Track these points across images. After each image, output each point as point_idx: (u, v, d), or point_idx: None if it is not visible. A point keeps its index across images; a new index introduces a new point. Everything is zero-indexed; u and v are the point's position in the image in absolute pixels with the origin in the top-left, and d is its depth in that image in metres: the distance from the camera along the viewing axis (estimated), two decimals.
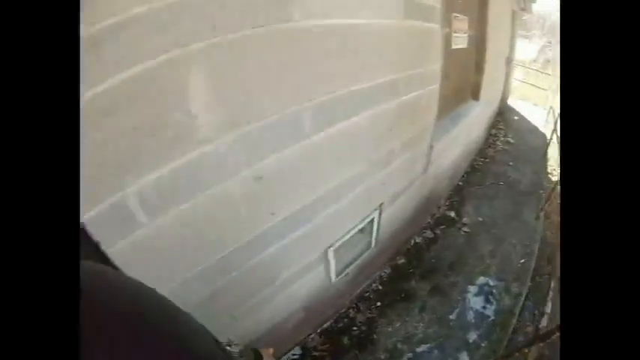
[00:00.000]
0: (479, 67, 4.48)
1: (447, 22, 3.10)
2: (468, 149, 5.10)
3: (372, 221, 2.79)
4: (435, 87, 2.80)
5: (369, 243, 2.96)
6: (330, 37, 1.59)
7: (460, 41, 3.63)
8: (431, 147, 3.14)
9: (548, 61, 14.92)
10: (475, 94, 4.67)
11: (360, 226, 2.60)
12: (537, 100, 10.60)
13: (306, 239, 2.05)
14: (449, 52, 3.23)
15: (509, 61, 7.52)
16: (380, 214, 2.76)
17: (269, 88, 1.42)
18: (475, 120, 4.75)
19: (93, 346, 0.32)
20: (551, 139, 6.39)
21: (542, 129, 8.17)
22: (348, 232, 2.49)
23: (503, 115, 8.43)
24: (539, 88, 10.62)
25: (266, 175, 1.56)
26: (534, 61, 15.74)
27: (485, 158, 6.16)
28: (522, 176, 5.74)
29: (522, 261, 3.89)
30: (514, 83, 10.51)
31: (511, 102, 9.63)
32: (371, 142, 2.23)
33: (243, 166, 1.46)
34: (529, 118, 8.74)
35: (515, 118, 8.59)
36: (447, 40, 3.24)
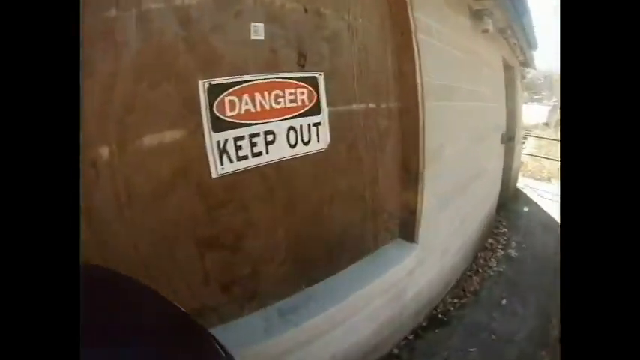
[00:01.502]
0: (410, 174, 2.00)
1: None
2: (412, 310, 2.52)
3: None
4: None
5: None
6: None
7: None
8: None
9: None
10: (408, 231, 2.13)
11: None
12: (554, 173, 7.87)
13: None
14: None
15: (506, 138, 4.92)
16: None
17: None
18: (413, 264, 2.19)
19: (93, 346, 0.31)
20: None
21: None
22: None
23: (507, 207, 5.73)
24: (554, 160, 7.82)
25: None
26: (546, 124, 13.11)
27: (460, 298, 3.46)
28: (519, 322, 3.06)
29: None
30: (523, 159, 7.88)
31: (521, 184, 6.95)
32: None
33: None
34: (546, 207, 6.00)
35: (525, 209, 5.86)
36: None
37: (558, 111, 13.67)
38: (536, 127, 12.39)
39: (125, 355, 0.32)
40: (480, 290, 3.62)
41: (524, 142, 8.39)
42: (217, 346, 0.47)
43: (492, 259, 4.24)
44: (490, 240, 4.57)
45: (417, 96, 1.82)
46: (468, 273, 3.92)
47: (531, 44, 5.59)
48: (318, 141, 1.51)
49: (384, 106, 1.80)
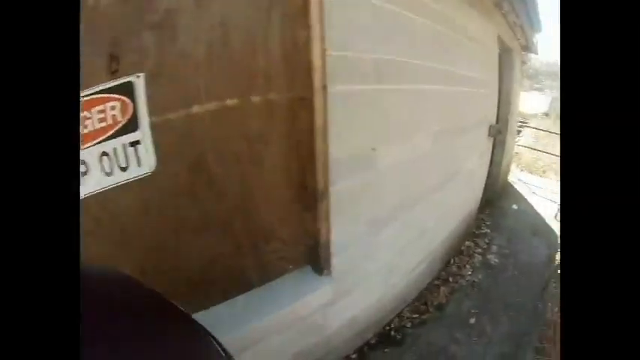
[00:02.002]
0: (312, 192, 1.40)
1: None
2: (345, 336, 2.01)
3: None
4: None
5: None
6: None
7: None
8: None
9: None
10: (316, 262, 1.56)
11: None
12: (551, 166, 7.16)
13: None
14: None
15: (495, 130, 4.16)
16: None
17: None
18: (327, 297, 1.64)
19: (93, 346, 0.30)
20: None
21: (552, 223, 4.78)
22: None
23: (494, 204, 5.10)
24: (550, 154, 7.06)
25: None
26: (546, 114, 12.16)
27: (422, 313, 2.91)
28: (485, 347, 2.59)
29: None
30: (519, 150, 7.18)
31: (513, 178, 6.28)
32: None
33: None
34: (537, 205, 5.37)
35: (514, 207, 5.22)
36: None
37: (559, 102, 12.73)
38: (535, 116, 11.54)
39: (125, 356, 0.30)
40: (446, 304, 3.09)
41: (520, 132, 7.63)
42: (217, 346, 0.45)
43: (467, 267, 3.70)
44: (468, 242, 3.99)
45: (311, 79, 1.19)
46: (436, 282, 3.41)
47: (534, 25, 4.79)
48: (138, 164, 1.04)
49: (256, 99, 1.17)
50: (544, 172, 7.33)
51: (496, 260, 3.84)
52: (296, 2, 1.19)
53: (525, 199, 5.49)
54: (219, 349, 0.45)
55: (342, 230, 1.50)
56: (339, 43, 1.26)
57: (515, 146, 6.81)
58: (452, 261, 3.67)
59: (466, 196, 3.57)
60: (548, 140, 8.19)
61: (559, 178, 5.92)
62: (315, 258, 1.49)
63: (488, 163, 4.16)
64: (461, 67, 2.68)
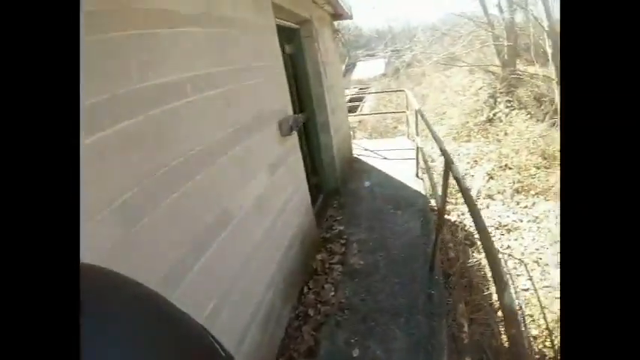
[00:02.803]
0: None
1: None
2: None
3: None
4: None
5: None
6: None
7: None
8: None
9: (398, 69, 12.00)
10: None
11: None
12: (399, 122, 7.06)
13: None
14: None
15: (291, 123, 2.91)
16: None
17: None
18: None
19: (92, 347, 0.30)
20: (444, 204, 2.56)
21: (415, 184, 4.45)
22: None
23: (341, 191, 4.57)
24: (396, 111, 6.98)
25: None
26: (384, 74, 12.77)
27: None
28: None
29: None
30: (359, 118, 6.92)
31: (360, 148, 5.92)
32: None
33: None
34: (392, 170, 5.04)
35: (366, 184, 4.78)
36: None
37: (392, 60, 13.30)
38: (374, 79, 11.98)
39: (124, 356, 0.30)
40: (316, 346, 2.42)
41: (362, 99, 7.45)
42: (217, 345, 0.44)
43: (327, 287, 3.04)
44: (320, 256, 3.34)
45: None
46: (296, 324, 2.69)
47: None
48: None
49: None
50: (395, 127, 7.22)
51: (361, 262, 3.28)
52: None
53: (378, 170, 5.13)
54: (219, 348, 0.44)
55: None
56: None
57: (359, 115, 6.51)
58: (305, 289, 2.97)
59: (276, 218, 2.64)
60: (389, 98, 8.16)
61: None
62: None
63: (299, 161, 3.33)
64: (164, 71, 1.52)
